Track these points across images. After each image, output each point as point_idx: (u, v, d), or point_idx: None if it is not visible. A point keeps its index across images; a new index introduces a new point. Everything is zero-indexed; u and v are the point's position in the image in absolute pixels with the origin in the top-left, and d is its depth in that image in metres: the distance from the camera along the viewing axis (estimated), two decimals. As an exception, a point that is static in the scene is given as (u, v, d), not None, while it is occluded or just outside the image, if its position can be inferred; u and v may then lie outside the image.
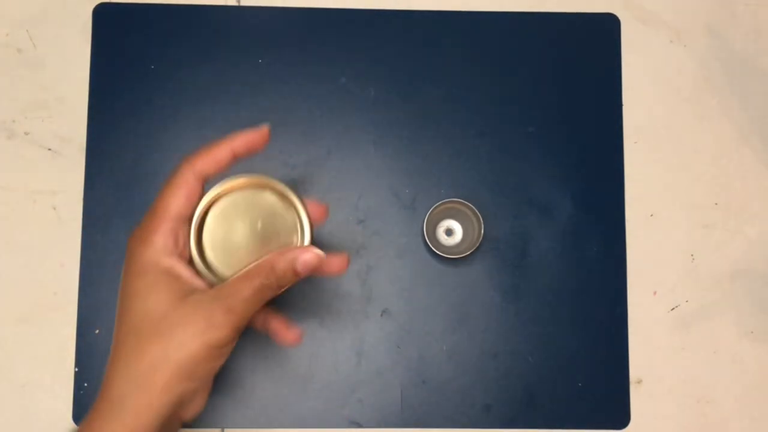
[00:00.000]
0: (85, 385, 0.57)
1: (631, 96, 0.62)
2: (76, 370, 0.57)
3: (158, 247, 0.44)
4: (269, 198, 0.46)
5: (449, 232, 0.60)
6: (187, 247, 0.46)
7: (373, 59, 0.61)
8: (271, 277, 0.43)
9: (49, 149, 0.60)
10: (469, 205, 0.58)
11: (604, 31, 0.63)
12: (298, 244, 0.46)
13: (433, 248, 0.57)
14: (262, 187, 0.46)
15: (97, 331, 0.57)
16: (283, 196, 0.46)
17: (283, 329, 0.49)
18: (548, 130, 0.61)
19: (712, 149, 0.62)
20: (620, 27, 0.62)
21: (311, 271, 0.44)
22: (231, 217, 0.46)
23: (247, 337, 0.58)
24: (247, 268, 0.44)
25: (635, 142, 0.62)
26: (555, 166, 0.61)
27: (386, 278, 0.59)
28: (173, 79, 0.60)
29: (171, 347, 0.42)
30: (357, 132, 0.60)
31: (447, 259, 0.59)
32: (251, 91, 0.60)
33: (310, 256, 0.44)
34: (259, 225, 0.46)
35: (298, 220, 0.46)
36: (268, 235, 0.46)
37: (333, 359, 0.58)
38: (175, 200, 0.44)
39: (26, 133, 0.60)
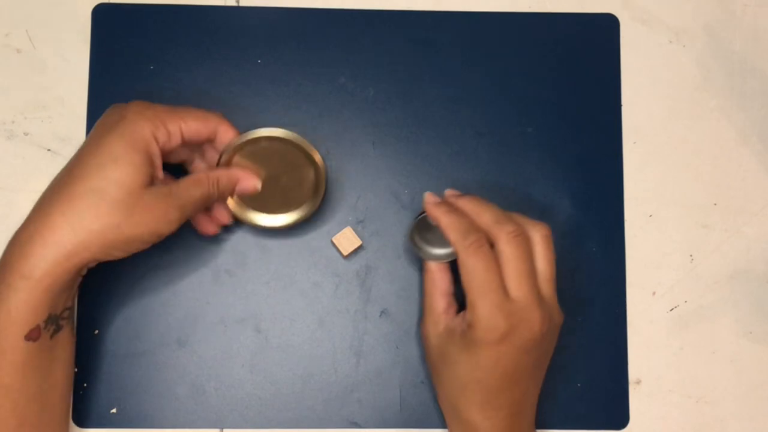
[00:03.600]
0: (85, 385, 0.57)
1: (630, 96, 0.62)
2: (76, 370, 0.57)
3: (159, 133, 0.50)
4: (294, 152, 0.54)
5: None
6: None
7: (372, 59, 0.61)
8: (214, 189, 0.52)
9: (49, 150, 0.60)
10: (468, 205, 0.58)
11: (603, 31, 0.62)
12: (315, 201, 0.55)
13: (420, 254, 0.55)
14: (290, 140, 0.54)
15: (96, 332, 0.57)
16: (306, 154, 0.54)
17: (205, 222, 0.55)
18: (547, 130, 0.61)
19: (712, 149, 0.62)
20: (619, 27, 0.62)
21: (243, 193, 0.54)
22: (257, 162, 0.54)
23: (247, 335, 0.58)
24: (197, 176, 0.51)
25: (634, 143, 0.61)
26: (554, 166, 0.61)
27: (385, 278, 0.59)
28: (173, 79, 0.60)
29: (126, 223, 0.47)
30: (356, 132, 0.60)
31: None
32: (250, 91, 0.60)
33: (249, 184, 0.53)
34: (284, 178, 0.54)
35: (315, 177, 0.55)
36: (290, 186, 0.55)
37: (332, 359, 0.58)
38: (195, 122, 0.52)
39: (26, 134, 0.60)
